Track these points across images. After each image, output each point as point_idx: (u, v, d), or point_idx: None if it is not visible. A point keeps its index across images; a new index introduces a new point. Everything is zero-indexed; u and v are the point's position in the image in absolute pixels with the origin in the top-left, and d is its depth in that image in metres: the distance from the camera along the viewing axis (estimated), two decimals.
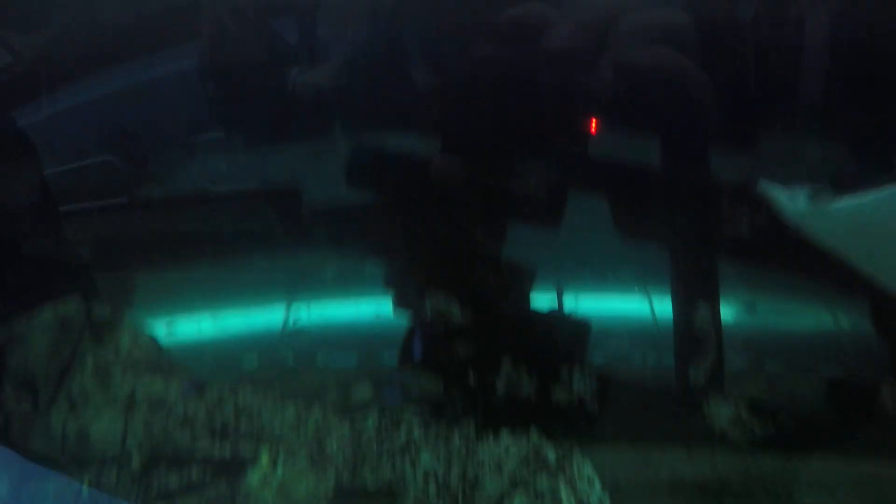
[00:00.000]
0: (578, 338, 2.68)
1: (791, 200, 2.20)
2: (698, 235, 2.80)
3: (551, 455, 2.22)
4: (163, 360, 2.58)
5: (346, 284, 3.37)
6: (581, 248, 3.20)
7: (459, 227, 2.94)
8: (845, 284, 2.61)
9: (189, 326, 3.39)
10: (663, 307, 3.04)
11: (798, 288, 3.21)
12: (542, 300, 2.89)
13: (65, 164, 3.39)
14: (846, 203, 2.11)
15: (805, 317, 3.25)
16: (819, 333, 3.24)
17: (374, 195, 3.20)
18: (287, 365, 3.12)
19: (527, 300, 2.81)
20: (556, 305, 2.85)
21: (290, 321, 3.32)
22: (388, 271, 2.86)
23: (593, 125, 3.11)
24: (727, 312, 2.94)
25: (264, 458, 2.21)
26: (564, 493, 2.19)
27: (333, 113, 3.43)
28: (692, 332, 2.65)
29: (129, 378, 2.38)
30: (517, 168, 2.93)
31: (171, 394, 2.34)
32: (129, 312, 2.96)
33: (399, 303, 2.81)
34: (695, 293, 2.73)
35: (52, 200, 3.57)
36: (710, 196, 2.88)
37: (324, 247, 3.25)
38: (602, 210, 2.90)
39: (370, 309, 3.36)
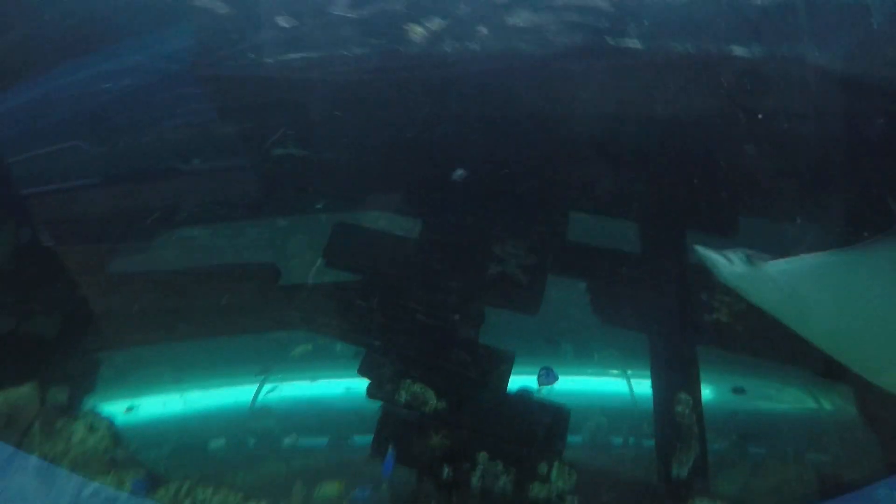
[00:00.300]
0: (557, 427, 2.58)
1: (727, 263, 2.27)
2: (678, 321, 2.76)
3: None
4: (118, 451, 2.41)
5: (317, 366, 3.25)
6: (560, 332, 3.14)
7: (437, 309, 2.87)
8: (828, 370, 2.57)
9: (151, 409, 3.22)
10: (644, 394, 2.96)
11: (782, 373, 3.16)
12: (520, 386, 2.79)
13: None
14: (779, 266, 2.17)
15: (788, 402, 3.19)
16: (803, 418, 3.17)
17: (351, 276, 3.14)
18: (251, 453, 2.96)
19: (504, 387, 2.72)
20: (534, 392, 2.76)
21: (258, 406, 3.18)
22: (364, 359, 2.76)
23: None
24: (710, 398, 2.87)
25: None
26: None
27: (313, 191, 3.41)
28: (674, 423, 2.57)
29: (77, 476, 2.20)
30: (496, 252, 2.90)
31: (122, 493, 2.16)
32: (87, 397, 2.80)
33: (373, 393, 2.70)
34: (676, 381, 2.67)
35: (20, 271, 3.45)
36: (689, 281, 2.86)
37: (297, 327, 3.16)
38: (581, 294, 2.87)
39: (341, 391, 3.23)
